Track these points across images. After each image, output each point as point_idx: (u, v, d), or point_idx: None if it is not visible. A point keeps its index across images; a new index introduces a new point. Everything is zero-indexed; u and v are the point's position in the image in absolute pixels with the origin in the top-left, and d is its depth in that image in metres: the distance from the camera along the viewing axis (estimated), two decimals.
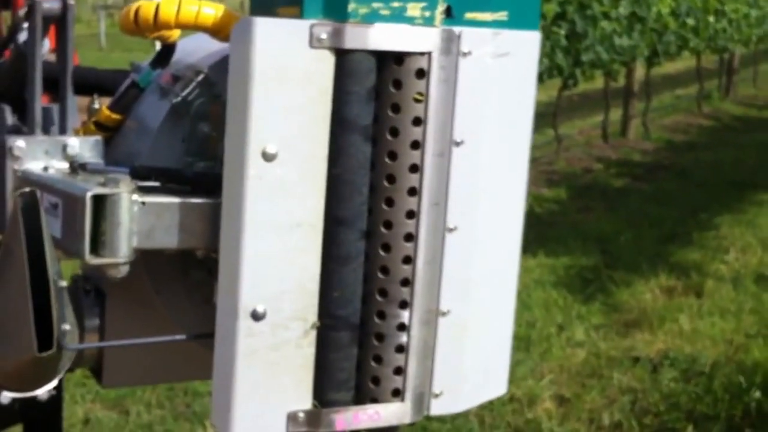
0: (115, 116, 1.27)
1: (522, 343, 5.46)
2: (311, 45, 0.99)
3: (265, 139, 0.99)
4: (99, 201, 1.05)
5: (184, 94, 1.17)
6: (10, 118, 1.32)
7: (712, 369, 5.29)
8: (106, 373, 1.33)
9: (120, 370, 1.34)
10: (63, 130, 1.23)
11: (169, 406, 4.68)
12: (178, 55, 1.26)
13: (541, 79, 7.29)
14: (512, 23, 1.09)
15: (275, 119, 0.99)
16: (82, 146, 1.22)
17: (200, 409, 4.63)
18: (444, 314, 1.12)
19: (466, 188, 1.10)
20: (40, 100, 1.22)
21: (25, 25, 1.29)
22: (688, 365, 5.38)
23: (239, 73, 0.98)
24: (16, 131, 1.31)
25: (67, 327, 1.07)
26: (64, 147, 1.21)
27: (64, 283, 1.06)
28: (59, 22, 1.19)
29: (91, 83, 1.34)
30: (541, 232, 7.68)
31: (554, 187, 9.59)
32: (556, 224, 8.15)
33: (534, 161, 9.41)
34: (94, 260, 1.06)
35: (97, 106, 1.31)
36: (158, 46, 1.26)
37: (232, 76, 1.00)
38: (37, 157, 1.21)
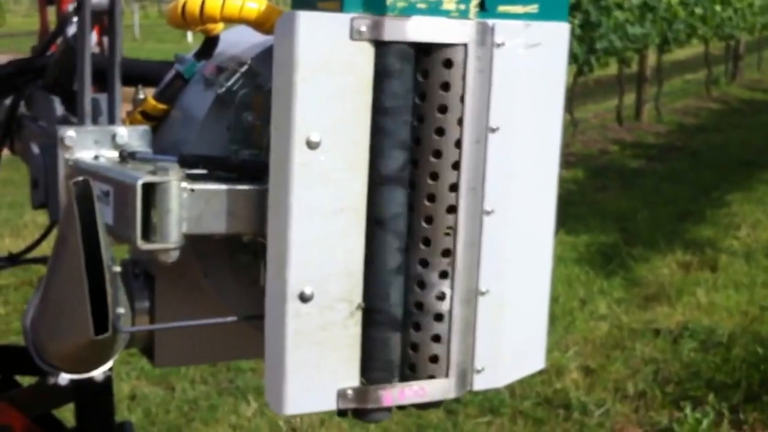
0: (161, 106, 1.25)
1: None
2: (352, 37, 0.97)
3: (309, 127, 0.97)
4: (149, 189, 1.04)
5: (228, 84, 1.14)
6: (59, 109, 1.31)
7: (730, 339, 5.25)
8: (158, 354, 1.31)
9: (171, 350, 1.32)
10: (112, 120, 1.21)
11: (213, 381, 4.69)
12: (221, 47, 1.24)
13: None
14: (542, 15, 1.07)
15: (318, 109, 0.97)
16: (131, 135, 1.20)
17: (243, 384, 4.64)
18: (483, 294, 1.10)
19: (501, 173, 1.07)
20: (90, 92, 1.20)
21: (74, 19, 1.28)
22: (707, 336, 5.34)
23: (283, 65, 0.96)
24: (65, 121, 1.30)
25: (121, 310, 1.05)
26: (114, 136, 1.19)
27: (117, 269, 1.05)
28: (107, 15, 1.17)
29: (135, 74, 1.32)
30: (560, 211, 7.59)
31: (572, 168, 9.53)
32: (575, 203, 8.11)
33: None
34: (145, 246, 1.05)
35: (141, 96, 1.29)
36: (190, 37, 1.24)
37: (276, 68, 0.98)
38: (88, 147, 1.19)
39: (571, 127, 10.36)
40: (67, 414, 1.95)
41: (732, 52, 17.62)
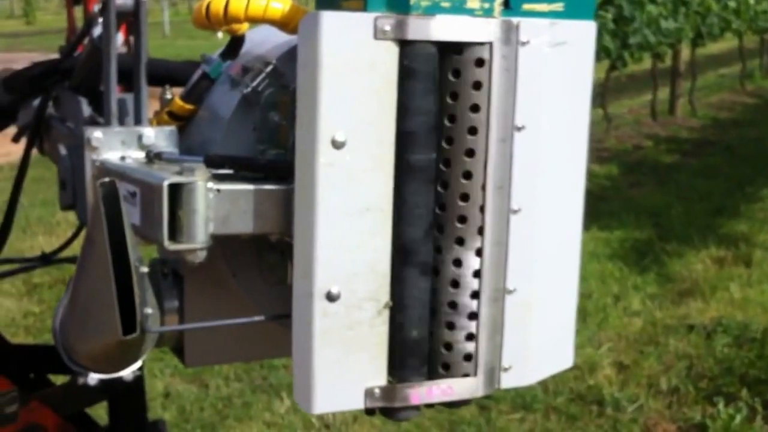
0: (188, 106, 1.25)
1: (579, 313, 5.41)
2: (376, 37, 0.96)
3: (335, 127, 0.97)
4: (176, 189, 1.04)
5: (254, 84, 1.14)
6: (86, 110, 1.31)
7: (764, 335, 5.20)
8: (188, 353, 1.32)
9: (201, 349, 1.33)
10: (138, 121, 1.21)
11: (246, 379, 4.71)
12: (246, 47, 1.24)
13: None
14: (568, 13, 1.06)
15: (343, 108, 0.97)
16: (158, 136, 1.20)
17: (276, 381, 4.66)
18: (510, 292, 1.10)
19: (528, 171, 1.07)
20: (116, 93, 1.20)
21: (100, 20, 1.28)
22: (741, 332, 5.29)
23: (308, 64, 0.96)
24: (92, 122, 1.30)
25: (149, 311, 1.06)
26: (140, 137, 1.20)
27: (145, 269, 1.05)
28: (133, 17, 1.17)
29: (161, 74, 1.32)
30: (594, 206, 7.58)
31: (605, 163, 9.47)
32: (609, 199, 8.06)
33: None
34: (172, 246, 1.05)
35: (169, 96, 1.28)
36: (220, 35, 1.25)
37: (301, 67, 0.97)
38: (114, 147, 1.19)
39: (605, 122, 10.29)
40: (100, 412, 1.96)
41: (766, 45, 17.42)
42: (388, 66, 0.97)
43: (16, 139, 1.62)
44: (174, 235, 1.04)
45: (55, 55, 1.55)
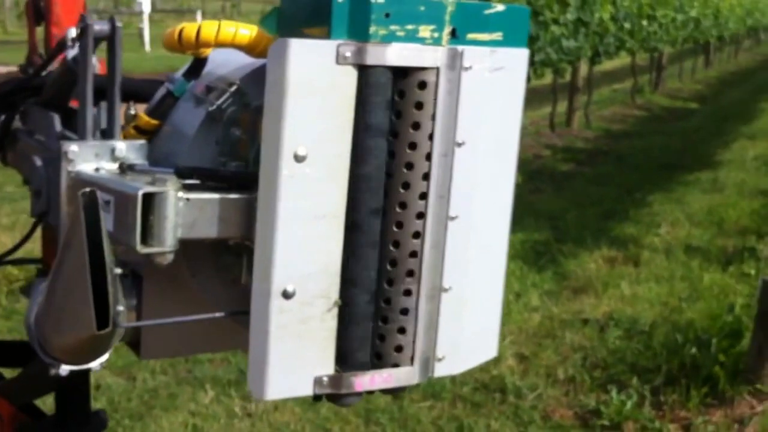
0: (154, 122, 1.28)
1: None
2: (337, 62, 1.00)
3: (297, 142, 1.01)
4: (148, 198, 1.07)
5: (218, 102, 1.17)
6: (58, 125, 1.32)
7: (651, 328, 5.38)
8: (144, 347, 1.34)
9: (156, 344, 1.35)
10: (111, 135, 1.23)
11: (172, 372, 4.69)
12: (207, 68, 1.27)
13: None
14: (506, 42, 1.11)
15: (306, 126, 1.01)
16: (129, 149, 1.22)
17: (201, 374, 4.65)
18: (446, 290, 1.15)
19: (466, 182, 1.12)
20: (92, 110, 1.22)
21: (70, 43, 1.30)
22: (630, 325, 5.47)
23: (275, 86, 1.00)
24: (64, 136, 1.31)
25: (120, 308, 1.08)
26: (113, 150, 1.22)
27: (118, 271, 1.07)
28: (109, 41, 1.19)
29: (126, 91, 1.35)
30: None
31: None
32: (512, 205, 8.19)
33: None
34: (144, 250, 1.08)
35: (132, 112, 1.31)
36: None
37: (268, 88, 1.01)
38: (89, 159, 1.21)
39: None
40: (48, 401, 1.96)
41: (656, 63, 17.92)
42: (347, 88, 1.02)
43: None
44: (145, 240, 1.07)
45: (13, 70, 1.55)
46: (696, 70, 21.94)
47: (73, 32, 1.23)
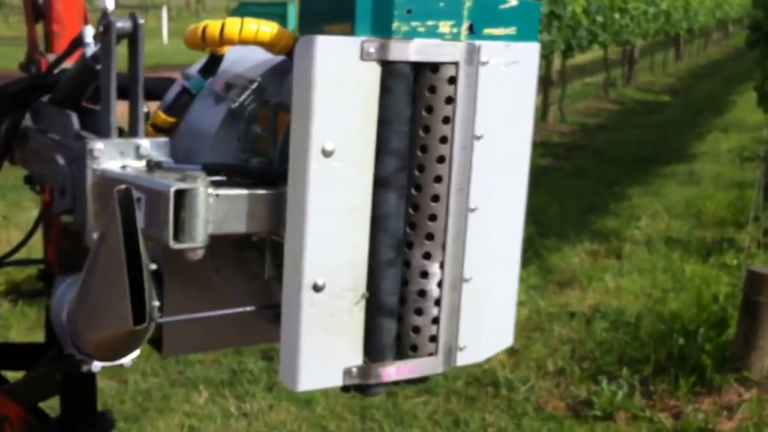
0: (171, 119, 1.29)
1: None
2: (362, 58, 1.03)
3: (325, 137, 1.03)
4: (180, 195, 1.09)
5: (240, 99, 1.19)
6: (76, 123, 1.33)
7: (637, 319, 5.44)
8: (166, 344, 1.36)
9: (177, 340, 1.37)
10: (135, 133, 1.24)
11: (163, 374, 4.68)
12: (223, 65, 1.29)
13: None
14: (519, 36, 1.14)
15: (333, 121, 1.03)
16: (153, 147, 1.23)
17: (193, 375, 4.65)
18: (467, 281, 1.17)
19: (484, 175, 1.15)
20: (116, 108, 1.23)
21: (89, 40, 1.30)
22: (617, 317, 5.52)
23: (303, 82, 1.02)
24: (79, 136, 1.32)
25: (156, 303, 1.10)
26: (137, 147, 1.22)
27: (153, 266, 1.09)
28: (131, 38, 1.20)
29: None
30: None
31: None
32: None
33: None
34: (176, 245, 1.09)
35: (145, 110, 1.31)
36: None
37: (296, 85, 1.03)
38: (114, 158, 1.22)
39: None
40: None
41: (628, 56, 18.03)
42: (371, 83, 1.04)
43: None
44: (177, 236, 1.09)
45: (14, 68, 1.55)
46: (667, 63, 22.13)
47: (90, 30, 1.24)
